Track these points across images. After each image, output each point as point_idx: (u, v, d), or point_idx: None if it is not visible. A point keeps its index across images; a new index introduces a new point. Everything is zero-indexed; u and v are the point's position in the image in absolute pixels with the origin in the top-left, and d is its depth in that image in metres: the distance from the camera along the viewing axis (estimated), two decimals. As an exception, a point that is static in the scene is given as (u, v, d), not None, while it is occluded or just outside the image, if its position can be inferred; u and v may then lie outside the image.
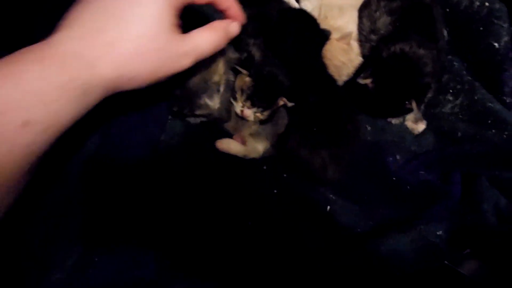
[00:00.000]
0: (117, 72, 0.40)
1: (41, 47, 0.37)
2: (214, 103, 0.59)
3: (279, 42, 0.61)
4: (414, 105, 0.60)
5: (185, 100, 0.58)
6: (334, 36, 0.63)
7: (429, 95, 0.65)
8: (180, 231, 0.53)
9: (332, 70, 0.63)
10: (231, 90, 0.59)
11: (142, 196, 0.55)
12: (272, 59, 0.59)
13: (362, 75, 0.62)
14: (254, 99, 0.56)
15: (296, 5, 0.70)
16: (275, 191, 0.57)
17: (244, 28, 0.51)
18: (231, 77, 0.60)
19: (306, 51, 0.62)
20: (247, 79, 0.56)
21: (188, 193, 0.56)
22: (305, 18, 0.64)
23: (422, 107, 0.66)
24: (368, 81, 0.61)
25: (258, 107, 0.56)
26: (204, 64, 0.56)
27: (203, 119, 0.61)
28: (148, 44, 0.40)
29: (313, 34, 0.62)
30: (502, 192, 0.54)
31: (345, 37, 0.64)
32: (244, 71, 0.56)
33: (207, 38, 0.45)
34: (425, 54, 0.60)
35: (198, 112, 0.59)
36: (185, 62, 0.44)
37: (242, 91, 0.57)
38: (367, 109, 0.66)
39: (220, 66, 0.59)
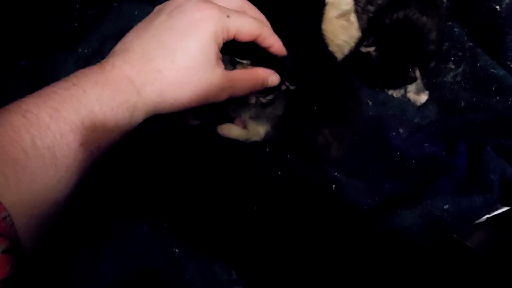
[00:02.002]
0: (160, 98, 0.43)
1: (96, 71, 0.41)
2: None
3: (277, 19, 0.59)
4: (418, 73, 0.59)
5: None
6: (333, 13, 0.61)
7: (432, 64, 0.64)
8: (185, 220, 0.54)
9: (334, 49, 0.62)
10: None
11: (144, 186, 0.55)
12: None
13: (364, 43, 0.60)
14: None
15: None
16: (279, 172, 0.57)
17: None
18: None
19: (305, 24, 0.60)
20: (249, 67, 0.54)
21: (191, 181, 0.56)
22: None
23: (424, 77, 0.64)
24: (371, 49, 0.59)
25: (262, 93, 0.55)
26: None
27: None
28: (191, 76, 0.44)
29: (309, 4, 0.61)
30: (509, 161, 0.53)
31: (344, 14, 0.62)
32: (244, 61, 0.54)
33: (245, 83, 0.50)
34: (429, 20, 0.59)
35: None
36: (221, 96, 0.48)
37: None
38: (370, 79, 0.65)
39: None
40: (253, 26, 0.48)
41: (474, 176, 0.53)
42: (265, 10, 0.58)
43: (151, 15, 0.48)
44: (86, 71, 0.41)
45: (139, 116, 0.43)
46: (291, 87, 0.55)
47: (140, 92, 0.42)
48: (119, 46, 0.45)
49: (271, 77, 0.52)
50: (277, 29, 0.58)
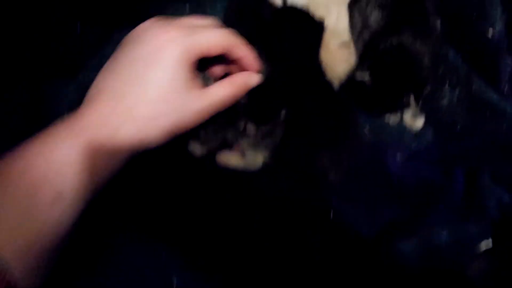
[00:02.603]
0: (138, 135, 0.41)
1: (68, 124, 0.40)
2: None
3: (275, 45, 0.59)
4: (412, 99, 0.59)
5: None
6: (334, 43, 0.62)
7: (427, 89, 0.64)
8: (185, 238, 0.54)
9: (334, 79, 0.62)
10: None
11: (143, 210, 0.55)
12: (267, 67, 0.57)
13: (358, 69, 0.61)
14: (254, 119, 0.55)
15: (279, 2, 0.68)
16: (277, 199, 0.57)
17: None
18: None
19: (304, 49, 0.61)
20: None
21: (191, 204, 0.56)
22: (298, 15, 0.62)
23: (420, 102, 0.65)
24: (365, 75, 0.60)
25: (259, 121, 0.55)
26: None
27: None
28: (164, 107, 0.42)
29: (308, 30, 0.61)
30: (505, 187, 0.54)
31: (345, 44, 0.63)
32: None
33: (225, 93, 0.47)
34: (422, 47, 0.60)
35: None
36: (202, 116, 0.45)
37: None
38: (365, 105, 0.65)
39: None
40: (221, 37, 0.46)
41: (471, 202, 0.54)
42: (261, 34, 0.59)
43: (117, 48, 0.46)
44: (61, 124, 0.40)
45: (120, 158, 0.42)
46: (287, 113, 0.55)
47: (116, 134, 0.40)
48: (92, 90, 0.44)
49: (251, 78, 0.50)
50: (273, 53, 0.59)
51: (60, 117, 0.59)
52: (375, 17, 0.66)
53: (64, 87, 0.61)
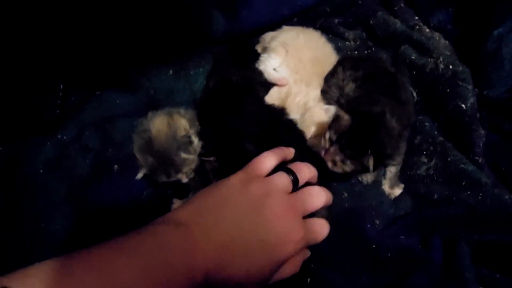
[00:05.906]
0: (216, 255, 0.40)
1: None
2: (192, 155, 0.58)
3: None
4: (371, 162, 0.59)
5: (163, 165, 0.57)
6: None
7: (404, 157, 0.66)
8: None
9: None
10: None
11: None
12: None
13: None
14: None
15: (275, 75, 0.71)
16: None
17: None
18: None
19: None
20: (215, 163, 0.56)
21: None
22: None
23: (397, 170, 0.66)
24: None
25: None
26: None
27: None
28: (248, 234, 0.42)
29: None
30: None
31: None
32: (210, 159, 0.56)
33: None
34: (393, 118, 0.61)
35: (183, 170, 0.58)
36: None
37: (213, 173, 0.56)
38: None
39: (183, 122, 0.59)
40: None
41: (450, 272, 0.53)
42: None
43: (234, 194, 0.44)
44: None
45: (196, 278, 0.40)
46: None
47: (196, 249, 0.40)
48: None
49: None
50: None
51: (36, 172, 0.59)
52: (350, 87, 0.70)
53: (42, 144, 0.61)
